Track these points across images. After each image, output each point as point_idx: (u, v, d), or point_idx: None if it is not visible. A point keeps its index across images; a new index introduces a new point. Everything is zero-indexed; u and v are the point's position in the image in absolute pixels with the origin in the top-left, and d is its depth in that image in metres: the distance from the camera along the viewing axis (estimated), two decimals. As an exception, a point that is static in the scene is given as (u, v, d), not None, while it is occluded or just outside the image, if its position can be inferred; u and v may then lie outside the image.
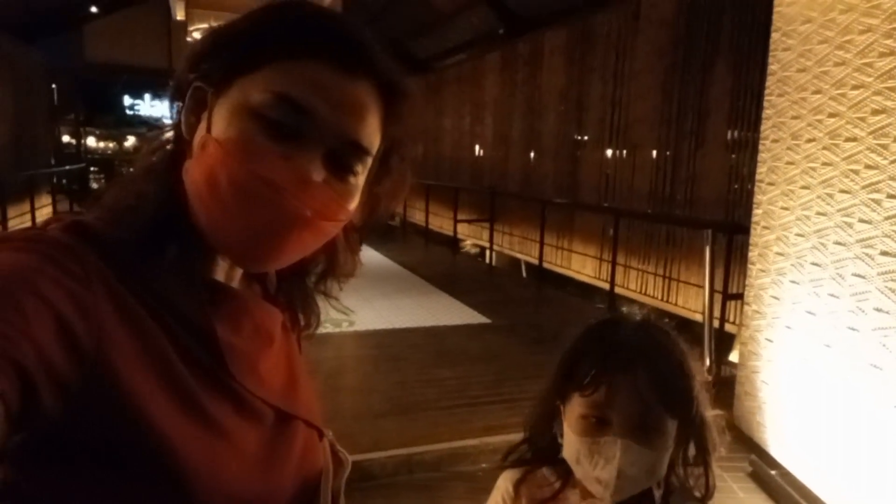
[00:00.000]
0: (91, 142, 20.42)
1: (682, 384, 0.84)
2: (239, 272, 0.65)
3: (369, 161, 0.60)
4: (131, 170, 0.63)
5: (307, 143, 0.55)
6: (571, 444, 0.84)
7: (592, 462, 0.81)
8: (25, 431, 0.45)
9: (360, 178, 0.60)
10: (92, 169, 16.49)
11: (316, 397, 0.72)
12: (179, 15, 14.06)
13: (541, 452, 0.94)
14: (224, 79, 0.56)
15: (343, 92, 0.55)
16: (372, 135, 0.59)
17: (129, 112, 20.73)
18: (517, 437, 1.00)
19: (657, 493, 0.86)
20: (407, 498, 2.68)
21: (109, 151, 21.07)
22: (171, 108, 0.60)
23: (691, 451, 0.89)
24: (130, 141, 20.85)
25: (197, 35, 6.73)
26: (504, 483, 0.96)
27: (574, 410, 0.84)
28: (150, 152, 0.61)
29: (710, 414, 0.89)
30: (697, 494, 0.90)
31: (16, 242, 0.50)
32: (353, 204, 0.60)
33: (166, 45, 14.34)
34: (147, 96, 20.32)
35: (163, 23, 14.36)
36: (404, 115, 0.62)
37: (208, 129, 0.56)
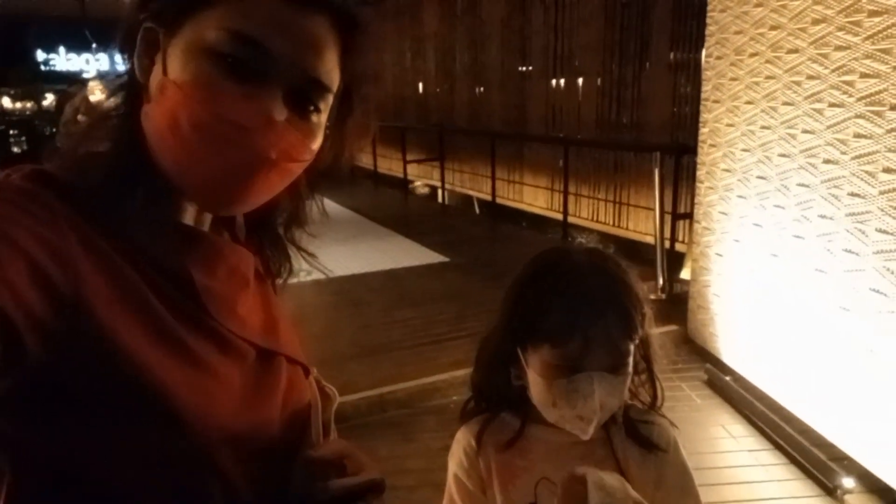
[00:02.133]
0: (6, 102, 19.06)
1: (640, 313, 0.85)
2: (209, 217, 0.64)
3: (330, 98, 0.59)
4: (81, 118, 0.61)
5: (267, 82, 0.54)
6: (542, 389, 0.83)
7: (570, 402, 0.81)
8: (11, 376, 0.45)
9: (322, 116, 0.59)
10: (11, 132, 15.47)
11: (297, 337, 0.72)
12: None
13: (497, 399, 0.93)
14: (176, 18, 0.54)
15: (300, 27, 0.54)
16: (331, 71, 0.58)
17: (43, 68, 19.35)
18: None
19: (618, 413, 0.88)
20: (382, 436, 2.73)
21: (28, 112, 19.76)
22: (122, 53, 0.58)
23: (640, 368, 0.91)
24: (49, 99, 19.57)
25: (111, -21, 6.27)
26: (464, 436, 0.95)
27: (542, 359, 0.83)
28: (106, 99, 0.60)
29: (654, 329, 0.91)
30: (643, 404, 0.93)
31: None
32: (317, 143, 0.59)
33: (79, -7, 13.30)
34: (62, 49, 18.98)
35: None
36: (364, 50, 0.60)
37: (164, 72, 0.54)
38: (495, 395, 0.93)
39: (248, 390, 0.59)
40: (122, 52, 0.58)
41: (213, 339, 0.58)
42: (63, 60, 19.33)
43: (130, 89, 0.58)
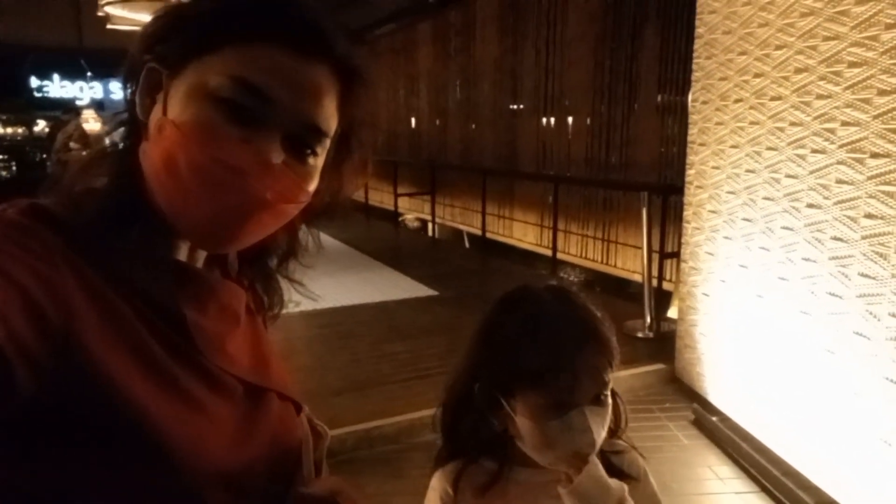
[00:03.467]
0: (-2, 128, 19.03)
1: (613, 339, 0.86)
2: (203, 253, 0.65)
3: (327, 142, 0.61)
4: (73, 145, 0.62)
5: (266, 127, 0.55)
6: (535, 433, 0.83)
7: (568, 440, 0.81)
8: (1, 409, 0.45)
9: (318, 160, 0.60)
10: (1, 157, 15.42)
11: (288, 373, 0.72)
12: (88, -10, 13.20)
13: (472, 444, 0.92)
14: (179, 61, 0.56)
15: (301, 76, 0.56)
16: (330, 118, 0.59)
17: (37, 94, 19.41)
18: None
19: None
20: (370, 472, 2.69)
21: (19, 137, 19.73)
22: (124, 89, 0.60)
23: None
24: (41, 126, 19.56)
25: (109, 10, 6.35)
26: (439, 483, 0.93)
27: (530, 402, 0.82)
28: (106, 134, 0.61)
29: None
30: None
31: None
32: (313, 185, 0.61)
33: (76, 21, 13.45)
34: (56, 76, 19.06)
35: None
36: (361, 98, 0.62)
37: (164, 112, 0.55)
38: (470, 440, 0.91)
39: (237, 427, 0.60)
40: (124, 87, 0.60)
41: (202, 376, 0.58)
42: (57, 88, 19.38)
43: (130, 126, 0.60)
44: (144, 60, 0.57)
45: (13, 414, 0.46)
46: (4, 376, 0.43)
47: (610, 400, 0.85)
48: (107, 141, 0.61)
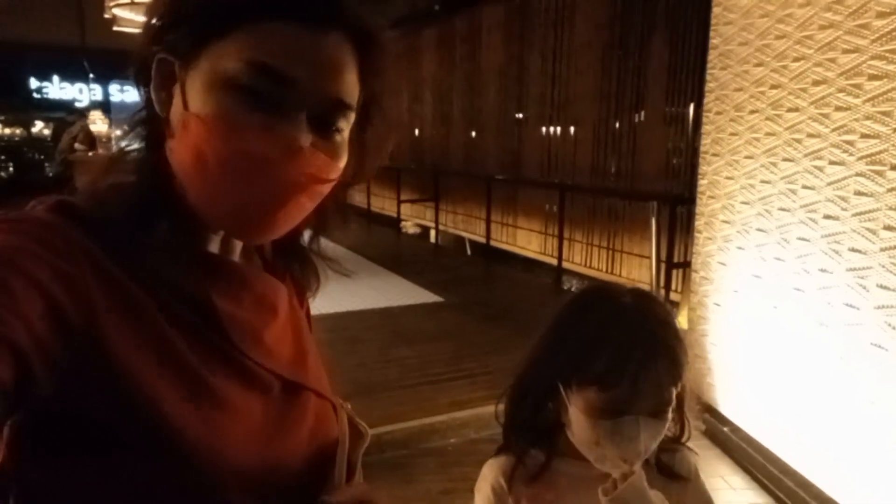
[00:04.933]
0: (-5, 128, 18.99)
1: (686, 359, 0.86)
2: (238, 245, 0.64)
3: (352, 116, 0.59)
4: (78, 146, 0.61)
5: (289, 109, 0.54)
6: (586, 428, 0.84)
7: (615, 443, 0.82)
8: (21, 410, 0.46)
9: (345, 134, 0.59)
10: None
11: (327, 371, 0.71)
12: (92, -10, 13.20)
13: (527, 433, 0.94)
14: (192, 49, 0.54)
15: (318, 51, 0.54)
16: (352, 89, 0.57)
17: (36, 95, 19.39)
18: (483, 410, 1.00)
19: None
20: (380, 477, 2.68)
21: (17, 138, 19.69)
22: (137, 88, 0.58)
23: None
24: (38, 126, 19.52)
25: (117, 12, 6.34)
26: (491, 472, 0.95)
27: (588, 399, 0.84)
28: (126, 133, 0.60)
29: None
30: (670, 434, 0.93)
31: (1, 223, 0.49)
32: (343, 161, 0.59)
33: (79, 21, 13.45)
34: (56, 78, 19.05)
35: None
36: (381, 64, 0.60)
37: (186, 106, 0.54)
38: (526, 429, 0.94)
39: (270, 425, 0.58)
40: (136, 84, 0.58)
41: (234, 371, 0.57)
42: (56, 89, 19.34)
43: (150, 122, 0.58)
44: (154, 52, 0.55)
45: (34, 413, 0.46)
46: (25, 377, 0.43)
47: (669, 415, 0.85)
48: (114, 141, 0.60)
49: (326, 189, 0.58)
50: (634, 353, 0.82)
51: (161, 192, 0.56)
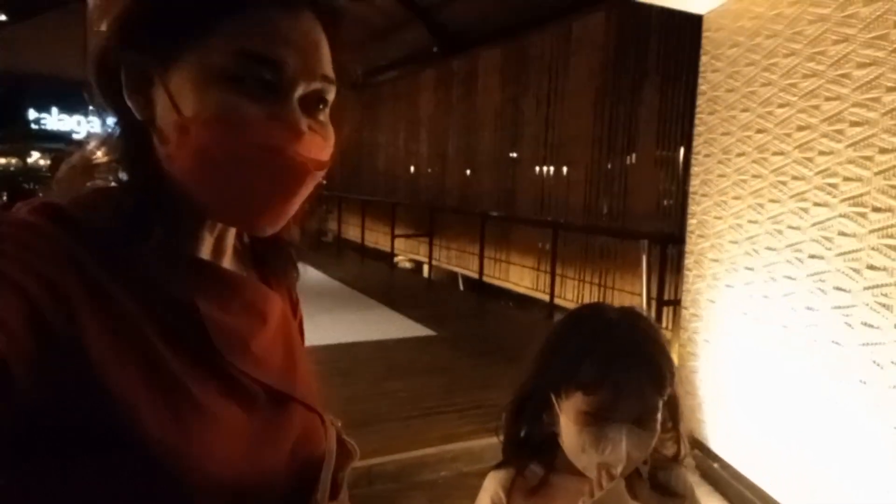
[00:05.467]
0: (-12, 158, 19.10)
1: (669, 371, 0.90)
2: (228, 252, 0.63)
3: (334, 91, 0.59)
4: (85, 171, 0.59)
5: (283, 94, 0.54)
6: (573, 435, 0.88)
7: (599, 449, 0.85)
8: (1, 416, 0.44)
9: (327, 111, 0.59)
10: (-7, 186, 15.41)
11: (317, 384, 0.70)
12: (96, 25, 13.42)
13: (526, 448, 0.97)
14: (172, 48, 0.53)
15: (295, 29, 0.54)
16: (330, 63, 0.58)
17: (34, 126, 19.55)
18: (474, 444, 1.03)
19: (642, 466, 0.92)
20: (370, 509, 2.66)
21: (12, 168, 19.77)
22: (98, 88, 0.55)
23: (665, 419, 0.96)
24: (34, 157, 19.63)
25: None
26: (492, 485, 0.98)
27: (575, 405, 0.88)
28: (101, 144, 0.58)
29: (681, 390, 0.97)
30: (668, 454, 0.97)
31: None
32: (332, 141, 0.59)
33: (83, 55, 13.66)
34: (55, 109, 19.24)
35: (79, 32, 13.69)
36: (345, 38, 0.60)
37: (178, 111, 0.52)
38: (524, 443, 0.97)
39: (254, 435, 0.57)
40: (100, 90, 0.55)
41: (218, 379, 0.56)
42: (55, 120, 19.53)
43: (129, 130, 0.56)
44: (121, 54, 0.53)
45: (12, 419, 0.44)
46: (3, 383, 0.42)
47: (657, 426, 0.89)
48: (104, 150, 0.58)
49: (322, 173, 0.58)
50: (617, 361, 0.87)
51: (149, 196, 0.55)
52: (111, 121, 0.57)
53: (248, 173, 0.53)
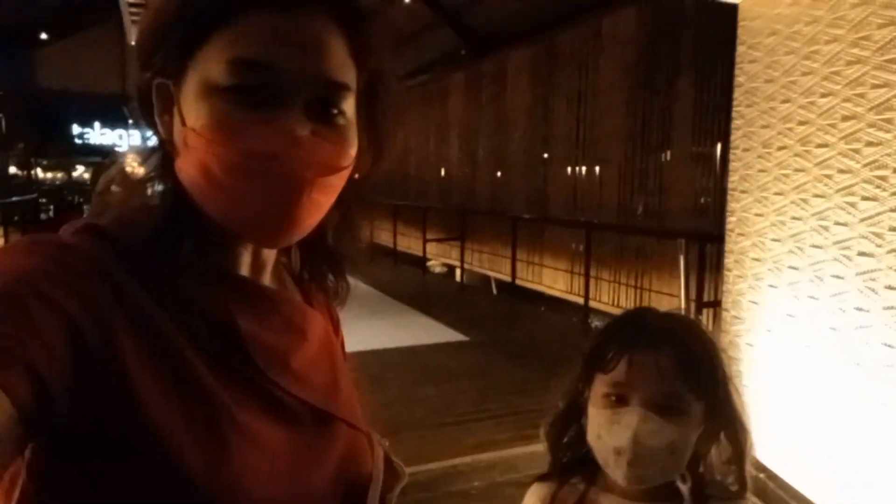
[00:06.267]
0: (39, 172, 19.81)
1: (706, 366, 0.84)
2: (268, 268, 0.62)
3: (351, 97, 0.56)
4: (115, 188, 0.62)
5: (282, 100, 0.52)
6: (593, 419, 0.85)
7: (611, 432, 0.81)
8: (40, 434, 0.45)
9: (348, 117, 0.57)
10: (42, 200, 16.01)
11: (360, 402, 0.69)
12: (134, 39, 13.84)
13: (568, 459, 0.93)
14: (177, 65, 0.53)
15: (299, 35, 0.52)
16: (343, 67, 0.55)
17: (78, 141, 20.22)
18: (509, 453, 0.99)
19: (683, 487, 0.85)
20: (402, 520, 2.61)
21: (58, 182, 20.49)
22: (143, 118, 0.58)
23: (727, 448, 0.88)
24: (79, 171, 20.29)
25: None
26: (531, 499, 0.94)
27: (597, 391, 0.85)
28: (141, 163, 0.61)
29: (745, 410, 0.89)
30: (733, 489, 0.89)
31: (21, 246, 0.50)
32: (353, 147, 0.57)
33: (121, 70, 14.07)
34: (97, 124, 19.86)
35: (117, 48, 14.10)
36: (376, 39, 0.58)
37: (183, 122, 0.54)
38: (566, 454, 0.93)
39: (296, 454, 0.56)
40: (143, 116, 0.58)
41: (258, 397, 0.55)
42: (97, 135, 20.16)
43: (161, 148, 0.58)
44: (148, 79, 0.55)
45: (52, 436, 0.45)
46: (45, 402, 0.43)
47: (688, 424, 0.82)
48: (149, 184, 0.60)
49: (338, 181, 0.56)
50: (638, 340, 0.83)
51: (182, 211, 0.55)
52: (149, 138, 0.59)
53: (245, 182, 0.52)
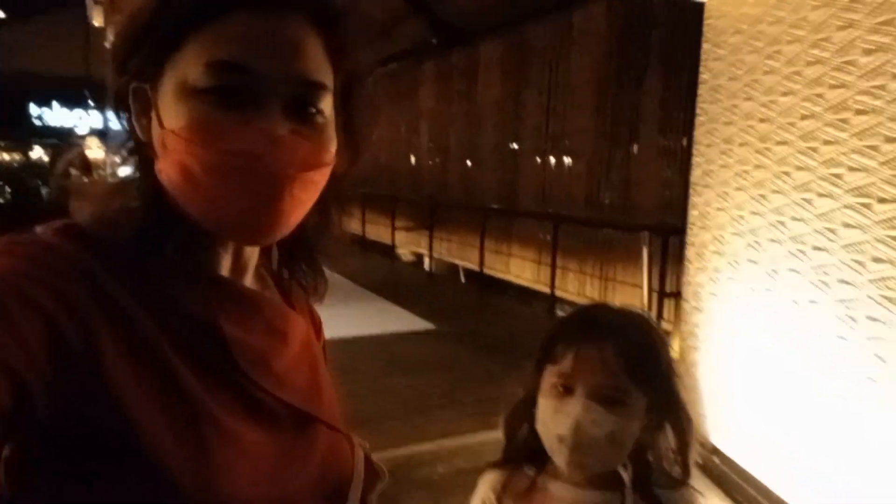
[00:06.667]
0: (-8, 153, 19.16)
1: (650, 361, 0.87)
2: (250, 270, 0.63)
3: (328, 96, 0.57)
4: (74, 173, 0.63)
5: (259, 101, 0.53)
6: (541, 408, 0.88)
7: (555, 420, 0.85)
8: (19, 435, 0.45)
9: (327, 116, 0.58)
10: (-1, 183, 15.47)
11: (341, 405, 0.70)
12: (97, 21, 13.38)
13: (521, 447, 0.95)
14: (155, 68, 0.54)
15: (274, 35, 0.53)
16: (320, 68, 0.56)
17: (36, 122, 19.56)
18: (473, 440, 1.02)
19: (625, 475, 0.88)
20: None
21: (15, 164, 19.81)
22: (118, 118, 0.59)
23: (672, 438, 0.91)
24: (38, 152, 19.65)
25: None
26: (484, 487, 0.96)
27: (547, 381, 0.88)
28: (122, 161, 0.60)
29: (690, 403, 0.92)
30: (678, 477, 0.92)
31: (0, 246, 0.50)
32: (332, 144, 0.58)
33: (84, 52, 13.63)
34: (55, 104, 19.21)
35: (80, 30, 13.65)
36: (350, 42, 0.59)
37: (161, 125, 0.54)
38: (519, 443, 0.95)
39: (278, 457, 0.56)
40: (118, 117, 0.58)
41: (241, 399, 0.55)
42: (55, 116, 19.51)
43: (139, 150, 0.58)
44: (125, 82, 0.56)
45: (31, 437, 0.45)
46: (25, 403, 0.43)
47: (632, 416, 0.85)
48: (109, 167, 0.61)
49: (320, 178, 0.57)
50: (585, 334, 0.87)
51: (163, 214, 0.55)
52: (128, 141, 0.59)
53: (226, 181, 0.52)
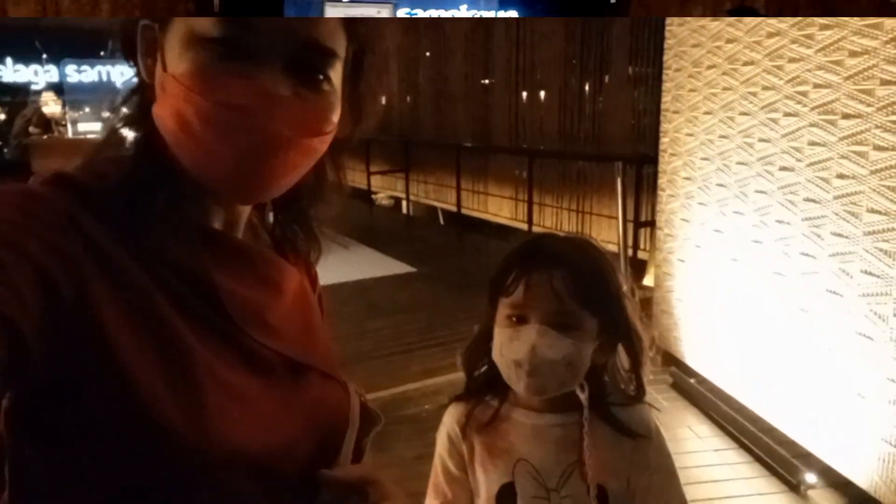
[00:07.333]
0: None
1: (598, 285, 0.88)
2: (241, 222, 0.63)
3: (338, 64, 0.57)
4: (33, 130, 0.61)
5: (265, 58, 0.52)
6: (496, 339, 0.89)
7: (511, 348, 0.86)
8: (15, 383, 0.45)
9: (334, 84, 0.57)
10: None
11: (336, 353, 0.71)
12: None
13: (482, 380, 0.97)
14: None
15: None
16: (332, 34, 0.56)
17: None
18: (457, 377, 1.03)
19: (582, 396, 0.90)
20: (354, 446, 2.70)
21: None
22: (125, 57, 0.58)
23: (625, 359, 0.94)
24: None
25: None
26: (449, 419, 0.97)
27: (501, 313, 0.89)
28: (119, 106, 0.60)
29: (641, 323, 0.93)
30: (633, 394, 0.95)
31: None
32: (335, 114, 0.58)
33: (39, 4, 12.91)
34: (9, 60, 18.30)
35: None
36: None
37: (164, 68, 0.53)
38: (481, 376, 0.97)
39: (272, 405, 0.57)
40: (124, 56, 0.58)
41: (234, 349, 0.56)
42: (10, 72, 18.62)
43: (140, 92, 0.58)
44: (137, 19, 0.55)
45: (27, 386, 0.46)
46: (20, 352, 0.43)
47: (585, 339, 0.86)
48: (69, 123, 0.60)
49: (320, 144, 0.56)
50: (534, 264, 0.87)
51: (156, 161, 0.55)
52: (130, 82, 0.58)
53: (216, 135, 0.52)
